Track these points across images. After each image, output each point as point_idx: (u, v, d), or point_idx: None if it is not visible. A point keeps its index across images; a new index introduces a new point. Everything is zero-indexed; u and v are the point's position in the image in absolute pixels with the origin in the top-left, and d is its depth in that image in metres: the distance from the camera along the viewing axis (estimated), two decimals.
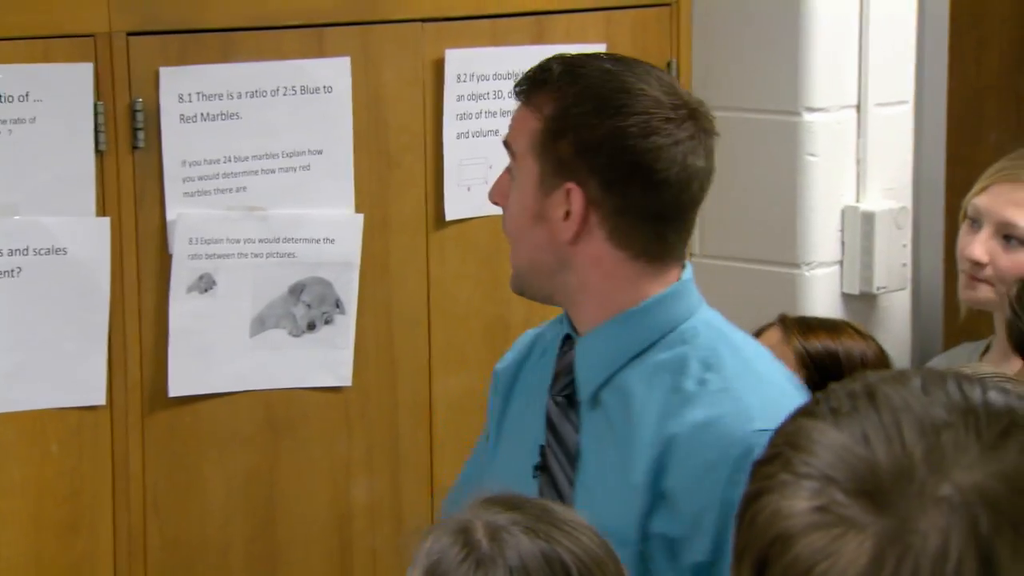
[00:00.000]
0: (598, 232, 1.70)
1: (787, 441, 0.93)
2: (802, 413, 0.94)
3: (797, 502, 0.88)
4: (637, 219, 1.70)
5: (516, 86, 1.75)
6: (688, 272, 1.75)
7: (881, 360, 2.34)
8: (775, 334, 2.34)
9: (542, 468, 1.76)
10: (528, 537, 1.33)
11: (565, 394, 1.76)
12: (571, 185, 1.69)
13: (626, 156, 1.67)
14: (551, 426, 1.76)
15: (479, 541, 1.33)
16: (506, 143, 1.77)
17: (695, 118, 1.71)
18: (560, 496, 1.73)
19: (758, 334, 2.36)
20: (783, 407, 1.62)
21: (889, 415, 0.90)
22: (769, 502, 0.90)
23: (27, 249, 2.16)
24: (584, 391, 1.74)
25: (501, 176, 1.78)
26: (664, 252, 1.73)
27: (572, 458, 1.74)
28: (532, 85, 1.73)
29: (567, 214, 1.70)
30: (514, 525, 1.34)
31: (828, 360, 2.29)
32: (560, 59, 1.75)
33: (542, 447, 1.77)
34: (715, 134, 1.74)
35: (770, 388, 1.67)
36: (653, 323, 1.71)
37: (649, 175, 1.68)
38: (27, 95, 2.13)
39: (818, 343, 2.30)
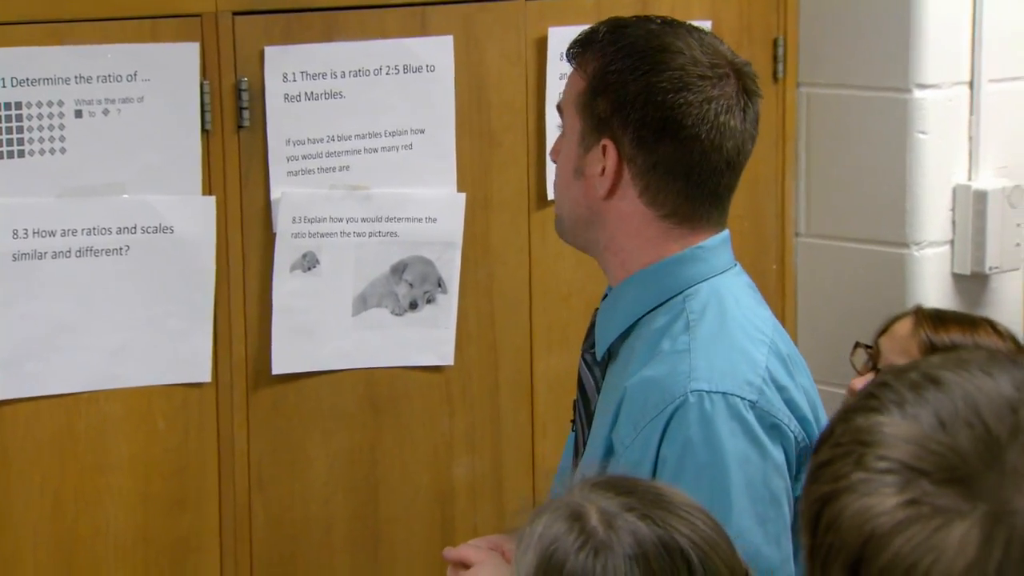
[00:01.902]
0: (631, 189, 1.71)
1: (855, 439, 0.90)
2: (861, 409, 0.92)
3: (883, 499, 0.87)
4: (667, 176, 1.70)
5: (568, 49, 1.78)
6: (715, 240, 1.73)
7: None
8: (907, 324, 2.29)
9: (573, 423, 1.81)
10: (645, 523, 1.31)
11: (592, 352, 1.79)
12: (607, 141, 1.71)
13: (657, 111, 1.68)
14: (579, 382, 1.81)
15: (595, 528, 1.31)
16: (558, 107, 1.81)
17: (737, 78, 1.70)
18: (579, 452, 1.77)
19: (891, 323, 2.32)
20: (736, 374, 1.62)
21: (961, 399, 0.88)
22: (849, 502, 0.88)
23: (135, 227, 2.19)
24: (600, 348, 1.77)
25: (559, 136, 1.81)
26: (693, 214, 1.72)
27: (590, 414, 1.78)
28: (581, 47, 1.76)
29: (603, 170, 1.72)
30: (628, 511, 1.32)
31: None
32: (609, 21, 1.77)
33: (574, 402, 1.82)
34: (758, 96, 1.73)
35: (731, 353, 1.65)
36: (663, 284, 1.72)
37: (678, 130, 1.68)
38: (135, 75, 2.15)
39: (947, 336, 2.24)
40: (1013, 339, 2.30)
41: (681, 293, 1.71)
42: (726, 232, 1.76)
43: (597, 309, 1.81)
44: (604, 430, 1.70)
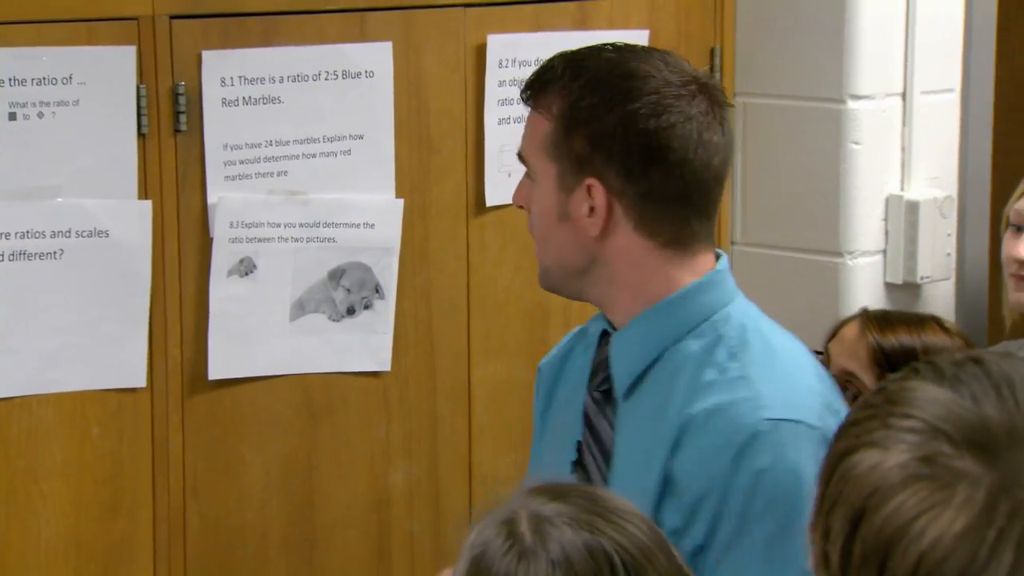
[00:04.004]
0: (625, 223, 1.67)
1: (886, 399, 0.91)
2: (899, 379, 0.93)
3: (898, 454, 0.87)
4: (662, 203, 1.67)
5: (522, 92, 1.72)
6: (724, 262, 1.72)
7: None
8: (854, 328, 2.31)
9: (579, 464, 1.75)
10: (572, 529, 1.30)
11: (602, 390, 1.74)
12: (591, 180, 1.66)
13: (641, 139, 1.64)
14: (588, 422, 1.75)
15: (523, 533, 1.31)
16: (519, 155, 1.75)
17: (706, 92, 1.68)
18: None
19: (840, 327, 2.34)
20: (800, 401, 1.60)
21: (1000, 378, 0.89)
22: (866, 456, 0.89)
23: (69, 231, 2.17)
24: (620, 385, 1.72)
25: (522, 180, 1.76)
26: (692, 238, 1.69)
27: (607, 454, 1.72)
28: (537, 87, 1.70)
29: (591, 210, 1.67)
30: (559, 516, 1.32)
31: (904, 356, 2.24)
32: (562, 56, 1.72)
33: (579, 443, 1.75)
34: (728, 106, 1.71)
35: (790, 379, 1.64)
36: (686, 313, 1.68)
37: (666, 155, 1.64)
38: (70, 78, 2.13)
39: (894, 339, 2.26)
40: (961, 335, 2.33)
41: (708, 320, 1.68)
42: (724, 252, 1.74)
43: (600, 347, 1.75)
44: (656, 462, 1.65)
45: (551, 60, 1.72)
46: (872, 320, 2.30)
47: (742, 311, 1.70)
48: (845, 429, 0.93)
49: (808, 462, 1.57)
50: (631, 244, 1.68)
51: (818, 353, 2.35)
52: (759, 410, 1.59)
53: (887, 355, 2.25)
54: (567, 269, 1.72)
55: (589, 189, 1.66)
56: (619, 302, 1.71)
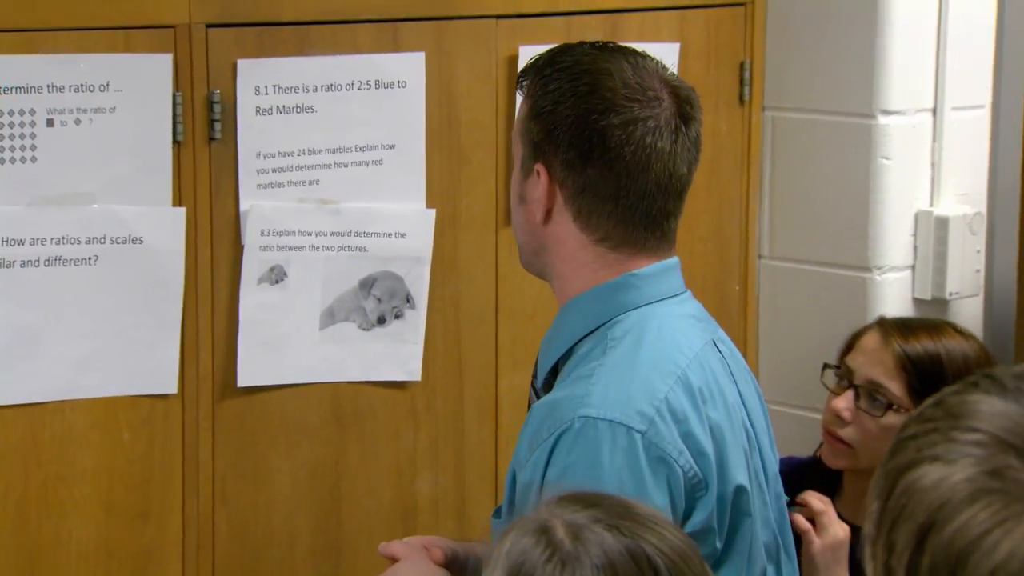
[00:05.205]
0: (565, 213, 1.71)
1: (947, 413, 0.90)
2: (957, 392, 0.92)
3: (965, 468, 0.87)
4: (596, 199, 1.70)
5: (518, 78, 1.79)
6: (656, 267, 1.72)
7: (984, 358, 2.29)
8: (874, 337, 2.31)
9: None
10: (611, 534, 1.30)
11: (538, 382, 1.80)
12: (539, 166, 1.71)
13: (584, 133, 1.68)
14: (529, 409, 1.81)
15: (562, 540, 1.31)
16: (510, 137, 1.83)
17: (674, 100, 1.70)
18: None
19: (856, 339, 2.34)
20: (629, 403, 1.60)
21: None
22: (930, 470, 0.88)
23: (104, 238, 2.18)
24: (539, 376, 1.77)
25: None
26: (627, 239, 1.71)
27: None
28: (524, 75, 1.76)
29: (539, 196, 1.72)
30: (595, 523, 1.32)
31: (929, 362, 2.25)
32: (552, 49, 1.77)
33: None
34: (695, 120, 1.72)
35: (631, 382, 1.63)
36: (595, 311, 1.71)
37: (604, 152, 1.68)
38: (107, 85, 2.15)
39: (919, 345, 2.26)
40: (975, 339, 2.33)
41: (610, 320, 1.69)
42: (673, 260, 1.74)
43: (543, 339, 1.80)
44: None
45: (544, 52, 1.78)
46: (894, 328, 2.31)
47: (645, 315, 1.70)
48: (903, 443, 0.92)
49: (616, 462, 1.59)
50: (569, 235, 1.72)
51: (836, 368, 2.35)
52: (580, 407, 1.62)
53: (913, 362, 2.26)
54: (527, 250, 1.78)
55: (538, 174, 1.72)
56: (556, 291, 1.77)
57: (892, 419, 2.25)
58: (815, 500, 2.11)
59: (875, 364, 2.28)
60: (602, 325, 1.70)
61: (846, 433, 2.28)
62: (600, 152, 1.68)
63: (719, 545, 1.66)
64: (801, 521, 2.08)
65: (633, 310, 1.70)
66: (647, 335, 1.68)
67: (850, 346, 2.35)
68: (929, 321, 2.39)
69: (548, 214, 1.71)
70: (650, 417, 1.61)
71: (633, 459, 1.60)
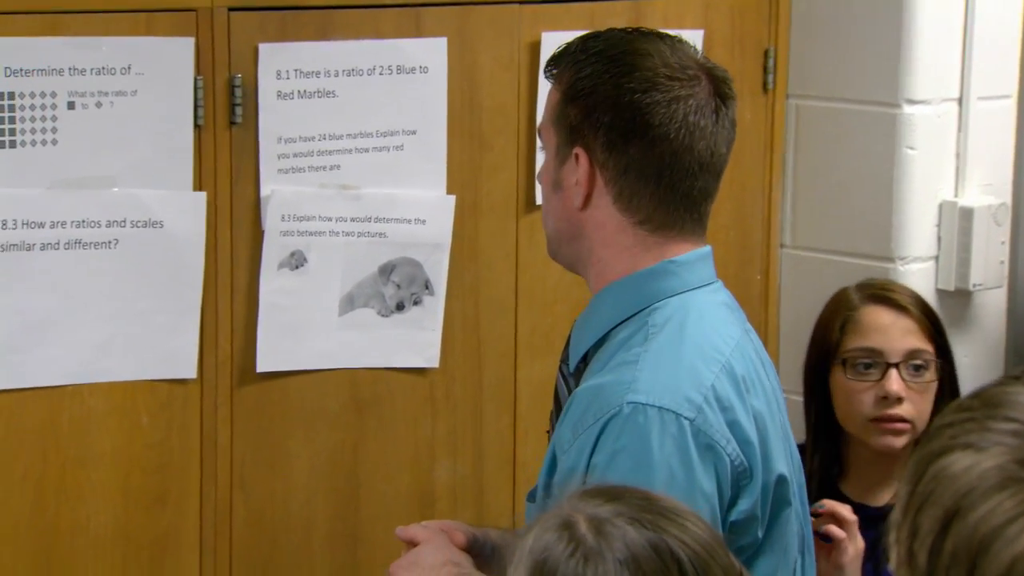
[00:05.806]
0: (605, 196, 1.70)
1: (984, 403, 0.90)
2: (998, 383, 0.92)
3: (996, 457, 0.86)
4: (639, 179, 1.69)
5: (545, 68, 1.78)
6: (693, 254, 1.72)
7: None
8: (876, 311, 2.38)
9: (549, 434, 1.80)
10: (634, 528, 1.30)
11: (567, 363, 1.79)
12: (578, 149, 1.70)
13: (626, 112, 1.68)
14: (555, 394, 1.81)
15: (585, 535, 1.30)
16: (538, 130, 1.80)
17: (711, 81, 1.70)
18: None
19: (847, 322, 2.35)
20: (677, 390, 1.60)
21: None
22: (961, 457, 0.87)
23: (124, 221, 2.18)
24: (572, 359, 1.76)
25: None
26: (667, 221, 1.70)
27: None
28: (555, 62, 1.76)
29: (578, 181, 1.71)
30: (618, 517, 1.31)
31: (927, 305, 2.40)
32: (580, 36, 1.77)
33: (551, 413, 1.81)
34: (732, 99, 1.72)
35: (678, 368, 1.63)
36: (633, 296, 1.70)
37: (647, 130, 1.67)
38: (129, 68, 2.14)
39: (911, 295, 2.36)
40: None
41: (649, 307, 1.69)
42: (707, 248, 1.74)
43: (575, 322, 1.80)
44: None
45: (574, 38, 1.77)
46: (883, 294, 2.35)
47: (685, 302, 1.70)
48: (939, 430, 0.91)
49: (665, 449, 1.58)
50: (608, 218, 1.71)
51: (861, 358, 2.35)
52: (628, 393, 1.61)
53: (927, 313, 2.34)
54: (559, 239, 1.77)
55: (576, 158, 1.70)
56: (591, 277, 1.75)
57: (930, 376, 2.31)
58: (845, 510, 2.12)
59: (905, 334, 2.29)
60: (640, 312, 1.69)
61: (904, 410, 2.28)
62: (643, 131, 1.67)
63: (760, 534, 1.66)
64: (836, 531, 2.09)
65: (672, 297, 1.69)
66: (689, 322, 1.68)
67: (841, 333, 2.34)
68: (880, 281, 2.46)
69: (587, 199, 1.71)
70: (698, 404, 1.61)
71: (683, 446, 1.59)
